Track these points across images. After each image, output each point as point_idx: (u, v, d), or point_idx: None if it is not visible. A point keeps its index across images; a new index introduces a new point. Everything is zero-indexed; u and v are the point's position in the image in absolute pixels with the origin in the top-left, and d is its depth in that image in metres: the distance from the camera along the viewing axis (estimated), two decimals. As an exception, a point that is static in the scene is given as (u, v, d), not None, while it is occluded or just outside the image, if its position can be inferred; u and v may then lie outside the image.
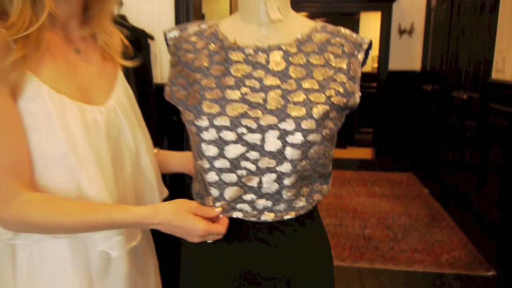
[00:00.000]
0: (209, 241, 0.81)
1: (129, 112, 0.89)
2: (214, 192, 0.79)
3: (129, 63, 0.96)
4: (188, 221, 0.75)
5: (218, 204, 0.79)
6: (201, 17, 3.08)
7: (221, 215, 0.80)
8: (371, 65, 6.69)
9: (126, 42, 0.98)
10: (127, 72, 2.00)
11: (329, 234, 3.08)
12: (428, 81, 4.63)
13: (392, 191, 4.08)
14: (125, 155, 0.87)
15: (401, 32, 4.92)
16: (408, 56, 4.97)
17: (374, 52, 5.47)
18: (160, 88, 2.29)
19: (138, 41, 2.22)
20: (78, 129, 0.75)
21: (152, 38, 2.36)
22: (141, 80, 2.22)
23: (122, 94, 0.89)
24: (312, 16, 6.99)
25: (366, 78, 6.28)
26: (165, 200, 0.94)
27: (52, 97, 0.73)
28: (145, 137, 0.93)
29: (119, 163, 0.85)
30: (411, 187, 4.20)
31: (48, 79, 0.74)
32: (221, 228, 0.77)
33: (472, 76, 3.49)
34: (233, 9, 5.35)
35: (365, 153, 5.58)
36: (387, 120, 5.14)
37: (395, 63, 5.00)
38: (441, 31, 4.28)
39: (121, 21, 2.18)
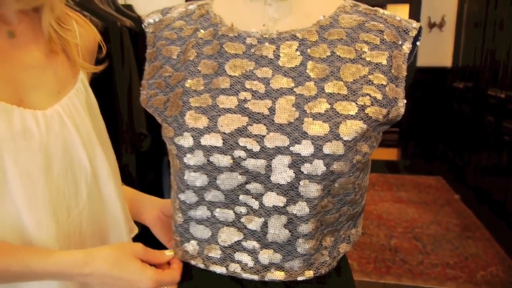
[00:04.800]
0: None
1: (84, 124, 0.68)
2: (205, 232, 0.58)
3: (91, 67, 0.74)
4: (132, 270, 0.57)
5: (214, 250, 0.59)
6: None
7: (167, 252, 0.63)
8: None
9: (99, 38, 0.76)
10: (129, 68, 1.81)
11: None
12: (460, 78, 4.37)
13: (419, 196, 3.81)
14: (79, 177, 0.66)
15: (431, 25, 4.66)
16: (438, 51, 4.71)
17: (401, 47, 5.19)
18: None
19: (144, 33, 2.03)
20: None
21: (160, 30, 2.17)
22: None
23: (78, 101, 0.68)
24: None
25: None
26: (135, 239, 0.73)
27: None
28: (108, 159, 0.72)
29: (70, 187, 0.65)
30: (441, 192, 3.92)
31: None
32: (174, 274, 0.61)
33: (511, 72, 3.19)
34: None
35: (389, 154, 5.30)
36: (414, 119, 4.88)
37: (424, 59, 4.74)
38: (476, 25, 4.00)
39: (126, 11, 2.01)
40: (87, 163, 0.67)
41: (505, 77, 3.32)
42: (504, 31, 3.36)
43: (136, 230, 0.79)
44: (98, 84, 0.84)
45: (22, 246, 0.58)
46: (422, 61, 4.74)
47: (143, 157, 1.90)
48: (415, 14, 4.70)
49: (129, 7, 2.12)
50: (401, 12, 6.10)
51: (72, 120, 0.65)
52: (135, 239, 0.78)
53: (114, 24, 1.73)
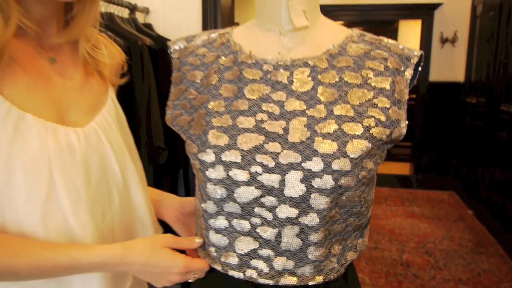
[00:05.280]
0: (190, 281, 0.68)
1: (116, 137, 0.75)
2: (223, 240, 0.64)
3: (120, 81, 0.83)
4: (165, 257, 0.65)
5: (231, 257, 0.64)
6: (233, 25, 2.96)
7: (197, 239, 0.69)
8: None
9: (124, 56, 0.84)
10: (149, 85, 1.89)
11: (364, 258, 2.87)
12: (473, 93, 4.37)
13: (432, 211, 3.80)
14: (112, 185, 0.74)
15: (443, 41, 4.68)
16: (450, 66, 4.74)
17: (414, 62, 5.24)
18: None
19: (163, 51, 2.12)
20: (43, 155, 0.63)
21: (177, 48, 2.25)
22: (164, 91, 2.11)
23: (110, 117, 0.76)
24: (348, 25, 6.74)
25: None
26: None
27: (11, 115, 0.61)
28: (136, 168, 0.79)
29: (104, 195, 0.72)
30: (453, 208, 3.90)
31: (9, 92, 0.62)
32: (204, 263, 0.68)
33: (523, 88, 3.21)
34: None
35: (402, 168, 5.29)
36: (426, 134, 4.88)
37: (437, 74, 4.77)
38: (488, 40, 4.01)
39: (146, 30, 2.10)
40: (118, 173, 0.74)
41: (518, 92, 3.33)
42: (516, 47, 3.38)
43: (160, 231, 0.86)
44: (120, 99, 0.92)
45: (66, 243, 0.65)
46: (435, 76, 4.77)
47: (159, 170, 1.97)
48: (427, 29, 4.74)
49: (149, 26, 2.22)
50: (414, 27, 6.14)
51: (106, 135, 0.72)
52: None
53: (135, 43, 1.82)
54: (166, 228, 0.87)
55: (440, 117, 4.81)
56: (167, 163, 1.98)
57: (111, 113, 0.76)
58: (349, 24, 6.70)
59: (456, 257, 2.90)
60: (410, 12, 4.94)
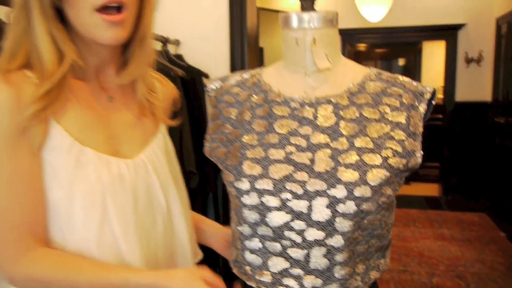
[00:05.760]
0: None
1: (163, 168, 0.83)
2: (257, 260, 0.71)
3: (171, 122, 0.91)
4: None
5: (265, 275, 0.71)
6: (259, 51, 3.08)
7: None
8: (436, 95, 6.39)
9: (178, 93, 0.93)
10: (181, 112, 2.00)
11: (393, 281, 2.85)
12: (501, 112, 4.30)
13: (463, 233, 3.73)
14: (157, 213, 0.81)
15: (468, 61, 4.67)
16: (477, 86, 4.70)
17: (440, 82, 5.24)
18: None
19: (193, 81, 2.24)
20: (98, 184, 0.72)
21: (207, 77, 2.37)
22: (196, 119, 2.22)
23: (159, 149, 0.84)
24: (372, 47, 6.85)
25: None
26: (199, 263, 0.87)
27: (73, 150, 0.71)
28: (180, 197, 0.87)
29: (149, 222, 0.80)
30: (485, 230, 3.82)
31: (73, 128, 0.72)
32: None
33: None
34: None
35: (431, 189, 5.22)
36: (455, 154, 4.83)
37: (463, 94, 4.75)
38: (514, 59, 3.97)
39: (177, 61, 2.23)
40: (163, 203, 0.82)
41: (547, 112, 3.28)
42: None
43: (200, 256, 0.93)
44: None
45: (118, 264, 0.73)
46: (461, 96, 4.74)
47: (190, 193, 2.05)
48: (451, 50, 4.74)
49: (180, 57, 2.35)
50: (438, 48, 6.13)
51: (153, 166, 0.81)
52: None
53: (168, 74, 1.93)
54: (205, 253, 0.94)
55: (468, 137, 4.76)
56: (198, 187, 2.06)
57: (160, 146, 0.84)
58: (372, 46, 6.72)
59: (489, 281, 2.84)
60: (434, 33, 4.97)
